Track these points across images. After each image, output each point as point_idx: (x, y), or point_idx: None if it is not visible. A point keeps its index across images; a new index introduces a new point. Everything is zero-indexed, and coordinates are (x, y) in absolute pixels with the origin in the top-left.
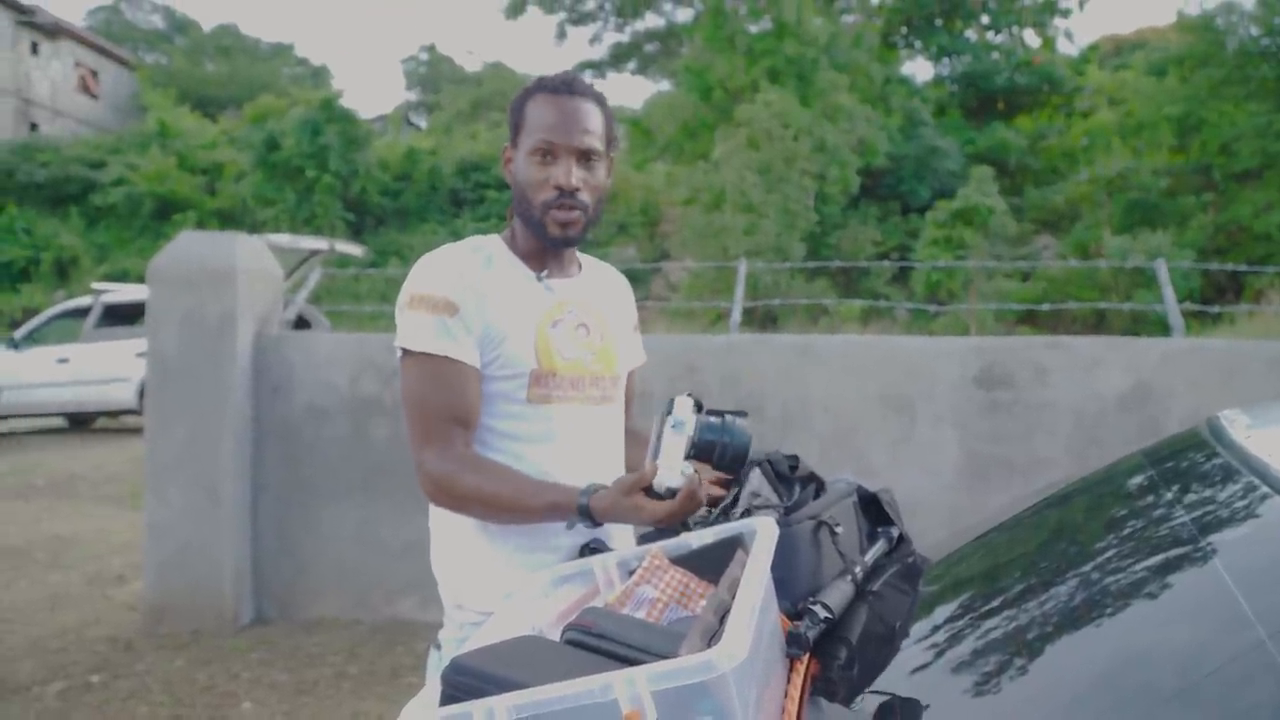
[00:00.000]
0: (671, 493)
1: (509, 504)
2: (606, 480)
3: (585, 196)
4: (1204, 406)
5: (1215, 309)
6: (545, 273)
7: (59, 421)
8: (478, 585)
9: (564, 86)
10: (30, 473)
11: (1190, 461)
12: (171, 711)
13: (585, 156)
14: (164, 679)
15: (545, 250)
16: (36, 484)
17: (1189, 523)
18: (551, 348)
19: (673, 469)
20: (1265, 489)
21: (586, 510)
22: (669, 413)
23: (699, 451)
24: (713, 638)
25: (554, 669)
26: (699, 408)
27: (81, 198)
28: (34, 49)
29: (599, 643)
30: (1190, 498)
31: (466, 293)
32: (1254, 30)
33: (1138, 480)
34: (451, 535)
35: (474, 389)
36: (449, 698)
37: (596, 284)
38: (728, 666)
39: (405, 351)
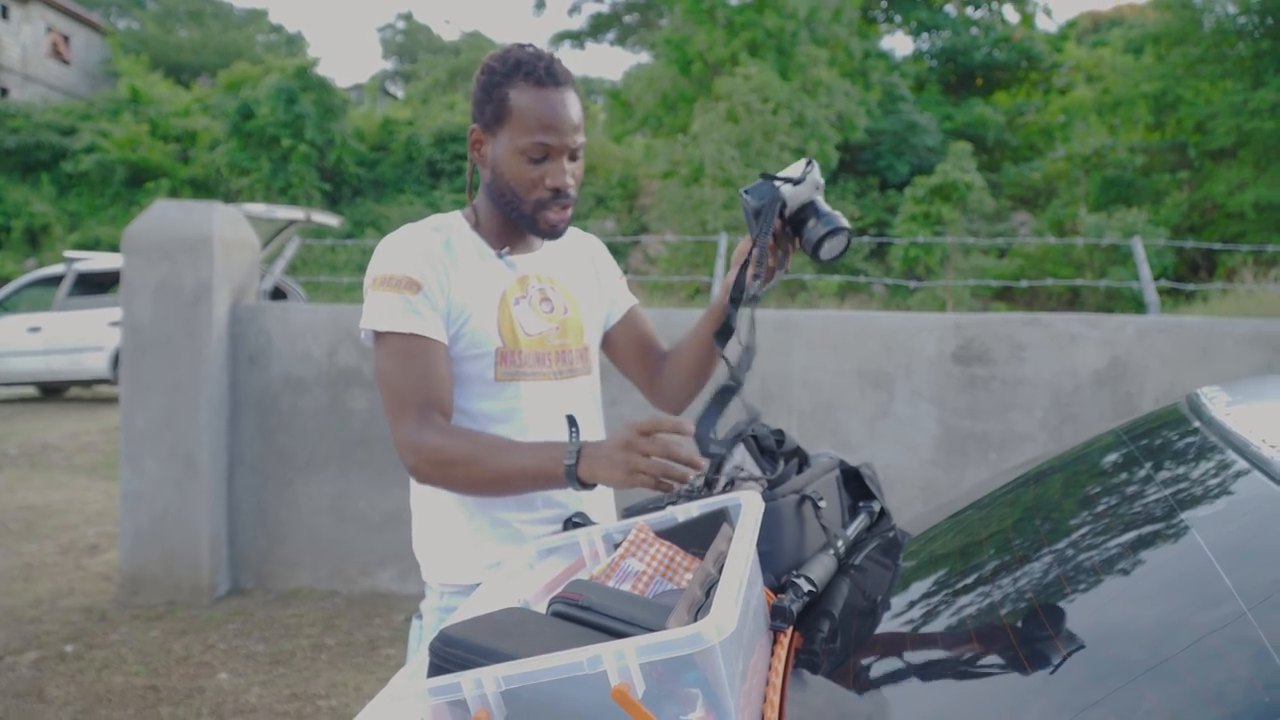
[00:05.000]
0: (783, 188)
1: (489, 468)
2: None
3: (574, 190)
4: (1179, 383)
5: (1189, 286)
6: (506, 249)
7: (31, 390)
8: (459, 559)
9: (548, 77)
10: (2, 442)
11: (1170, 438)
12: (147, 681)
13: (574, 152)
14: (139, 649)
15: (510, 228)
16: (9, 453)
17: (1169, 498)
18: (515, 324)
19: (795, 169)
20: (1245, 464)
21: (573, 470)
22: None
23: (803, 211)
24: (699, 611)
25: (542, 641)
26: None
27: (53, 165)
28: (4, 13)
29: (585, 615)
30: (1171, 473)
31: (429, 271)
32: (1230, 8)
33: (1117, 456)
34: (432, 510)
35: (444, 364)
36: (437, 669)
37: (561, 253)
38: (716, 639)
39: (375, 333)
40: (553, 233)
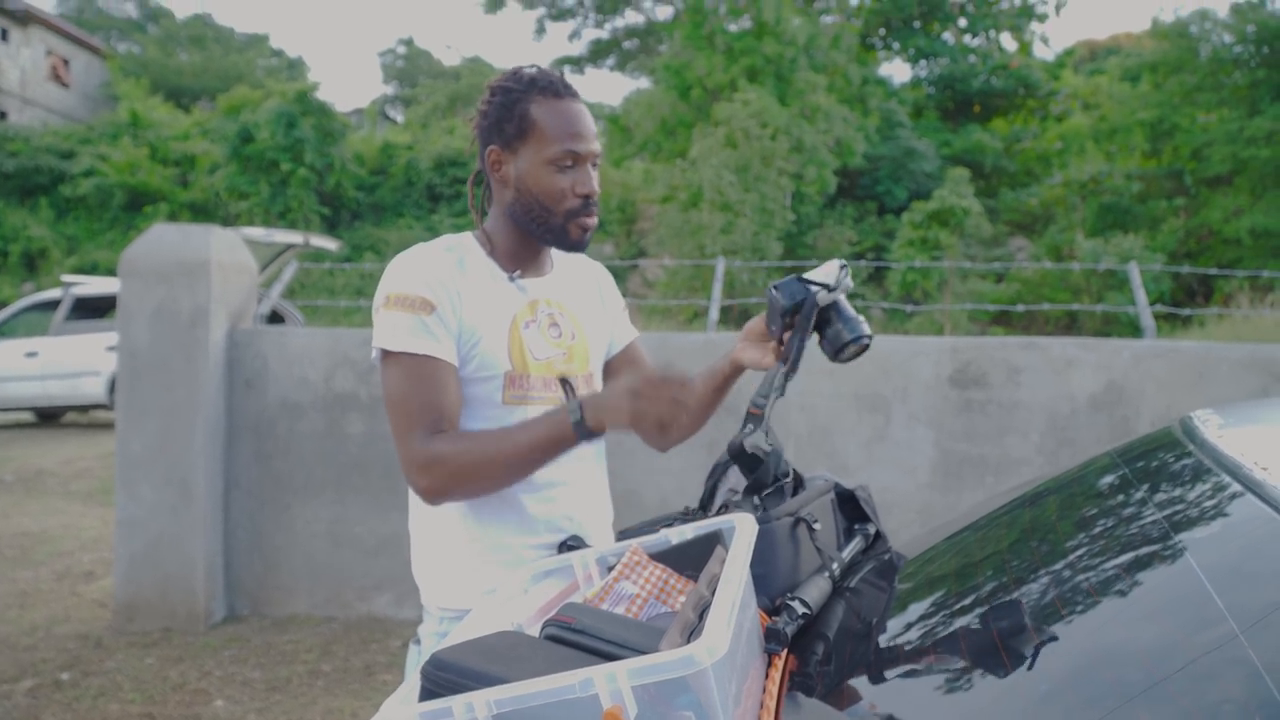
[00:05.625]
0: (817, 291)
1: (502, 456)
2: (578, 480)
3: (597, 197)
4: (1175, 407)
5: (1185, 312)
6: (518, 273)
7: (27, 416)
8: (457, 583)
9: (564, 88)
10: None
11: (1164, 460)
12: (142, 709)
13: (596, 160)
14: (135, 676)
15: (522, 250)
16: (4, 479)
17: (1163, 520)
18: (525, 349)
19: (828, 273)
20: (1238, 487)
21: (581, 423)
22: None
23: (824, 313)
24: (692, 634)
25: (534, 664)
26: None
27: (51, 188)
28: (4, 36)
29: (579, 638)
30: (1165, 496)
31: (442, 292)
32: (1226, 37)
33: (1112, 479)
34: (432, 534)
35: (454, 386)
36: (429, 693)
37: (569, 278)
38: (708, 662)
39: (384, 352)
40: (581, 242)
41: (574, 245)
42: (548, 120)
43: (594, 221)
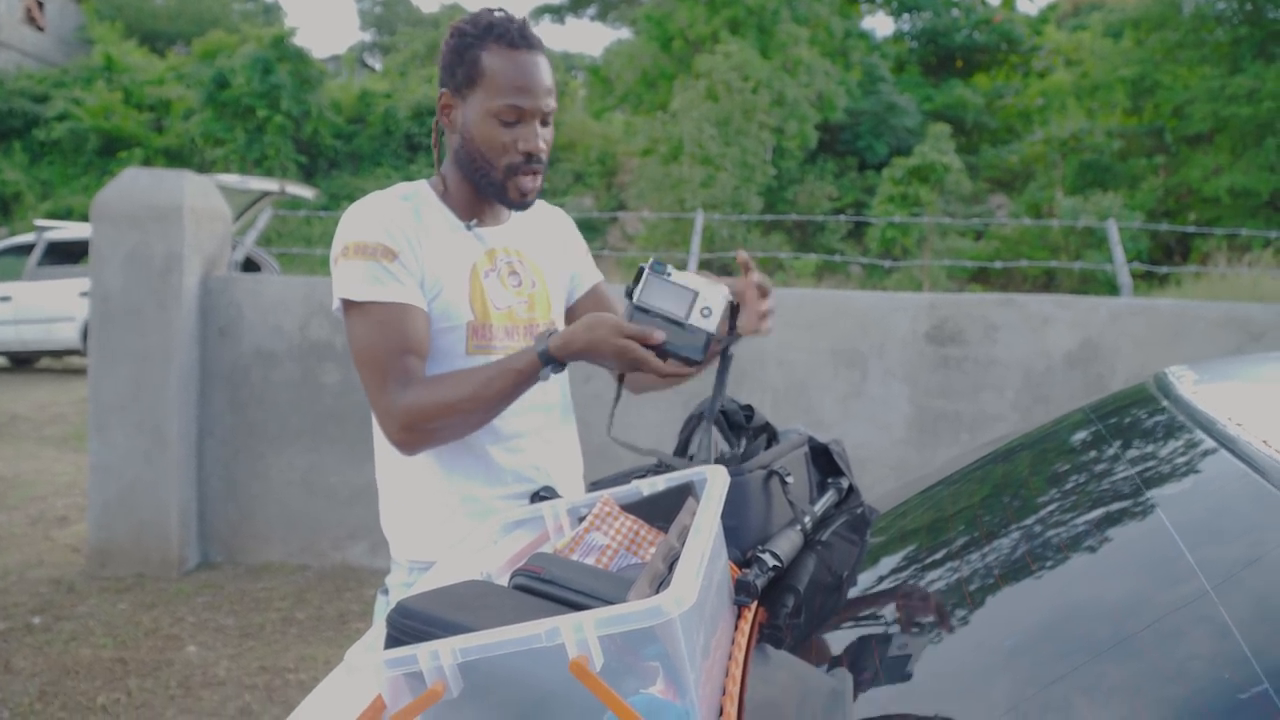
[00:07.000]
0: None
1: (472, 392)
2: (543, 430)
3: (545, 155)
4: (1150, 365)
5: (1163, 270)
6: (475, 221)
7: (1, 361)
8: (428, 535)
9: (521, 40)
10: None
11: (1138, 416)
12: (114, 654)
13: (546, 117)
14: (107, 621)
15: (478, 199)
16: None
17: (1136, 476)
18: (486, 298)
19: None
20: (1211, 443)
21: (547, 355)
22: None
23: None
24: (661, 584)
25: (501, 613)
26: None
27: (25, 132)
28: None
29: (547, 588)
30: (1138, 452)
31: (402, 239)
32: None
33: (1085, 434)
34: (400, 486)
35: (424, 329)
36: (394, 640)
37: (528, 226)
38: (676, 612)
39: (348, 303)
40: (523, 201)
41: (513, 205)
42: (497, 70)
43: (534, 182)
